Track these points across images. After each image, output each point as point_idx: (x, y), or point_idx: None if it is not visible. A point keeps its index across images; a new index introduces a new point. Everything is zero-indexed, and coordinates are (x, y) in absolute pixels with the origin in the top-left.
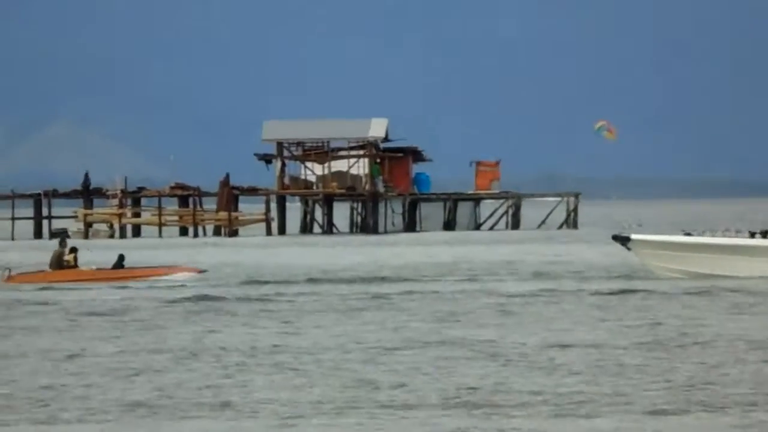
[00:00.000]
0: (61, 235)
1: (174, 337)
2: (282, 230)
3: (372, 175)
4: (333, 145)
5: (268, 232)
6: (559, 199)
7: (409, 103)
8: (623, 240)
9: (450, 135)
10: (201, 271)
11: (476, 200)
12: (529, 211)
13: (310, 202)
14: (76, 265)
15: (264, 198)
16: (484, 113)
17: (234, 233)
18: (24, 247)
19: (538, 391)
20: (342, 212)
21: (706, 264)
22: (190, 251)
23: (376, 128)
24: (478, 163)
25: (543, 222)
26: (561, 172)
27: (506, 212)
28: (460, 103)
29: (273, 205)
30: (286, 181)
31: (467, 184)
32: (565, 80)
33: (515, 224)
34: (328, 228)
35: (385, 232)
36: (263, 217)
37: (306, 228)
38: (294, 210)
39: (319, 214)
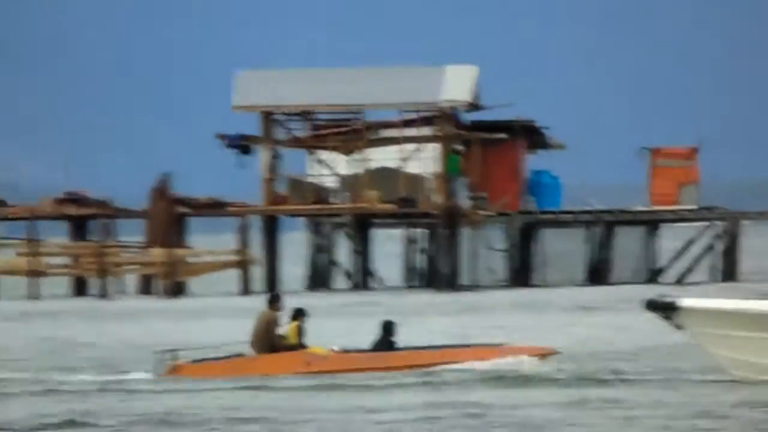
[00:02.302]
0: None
1: None
2: (272, 283)
3: (447, 176)
4: (371, 117)
5: (244, 289)
6: None
7: (498, 50)
8: (666, 308)
9: (590, 102)
10: (548, 354)
11: (652, 224)
12: (752, 245)
13: (327, 229)
14: (301, 344)
15: (238, 221)
16: (643, 69)
17: (178, 290)
18: None
19: None
20: (389, 248)
21: None
22: (81, 330)
23: (456, 85)
24: (655, 152)
25: None
26: None
27: (710, 248)
28: (602, 52)
29: (255, 234)
30: (280, 186)
31: (630, 193)
32: None
33: (729, 272)
34: (361, 279)
35: (475, 287)
36: (235, 257)
37: (316, 278)
38: (297, 244)
39: (343, 250)
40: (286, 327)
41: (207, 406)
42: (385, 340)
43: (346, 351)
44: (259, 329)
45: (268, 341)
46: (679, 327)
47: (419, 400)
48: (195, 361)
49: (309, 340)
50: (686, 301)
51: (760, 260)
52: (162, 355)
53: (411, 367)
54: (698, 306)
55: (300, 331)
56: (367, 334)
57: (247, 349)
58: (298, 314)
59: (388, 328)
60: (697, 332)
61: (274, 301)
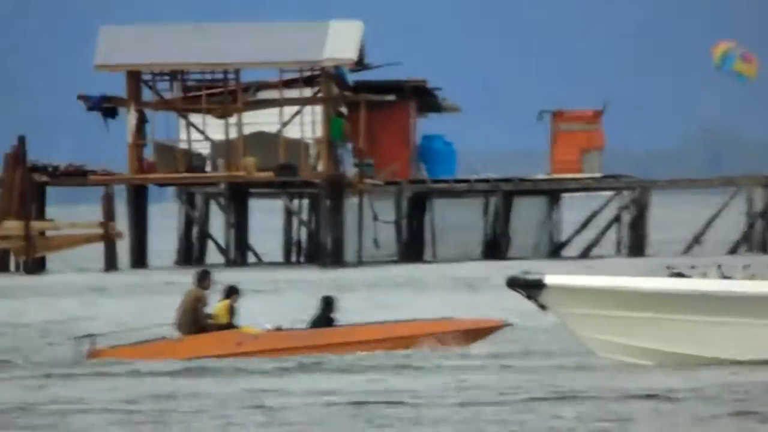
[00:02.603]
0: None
1: None
2: (139, 259)
3: (331, 142)
4: (248, 77)
5: (109, 265)
6: (729, 190)
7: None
8: (529, 286)
9: (487, 62)
10: (504, 325)
11: (553, 194)
12: (662, 217)
13: (200, 199)
14: (231, 324)
15: (102, 191)
16: (542, 26)
17: (36, 266)
18: None
19: None
20: (267, 220)
21: (701, 335)
22: None
23: (340, 42)
24: (556, 115)
25: (696, 240)
26: (714, 130)
27: (616, 219)
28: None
29: (120, 206)
30: (149, 153)
31: (531, 161)
32: None
33: (636, 246)
34: (237, 254)
35: (360, 262)
36: (98, 230)
37: (188, 254)
38: (167, 215)
39: (218, 223)
40: (215, 306)
41: (131, 393)
42: (325, 317)
43: (279, 329)
44: (185, 308)
45: (195, 321)
46: (543, 307)
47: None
48: (114, 347)
49: (241, 320)
50: (550, 279)
51: (669, 232)
52: (78, 340)
53: (353, 344)
54: (563, 283)
55: (231, 311)
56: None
57: (171, 331)
58: (231, 292)
59: (328, 303)
60: (563, 312)
61: (203, 279)
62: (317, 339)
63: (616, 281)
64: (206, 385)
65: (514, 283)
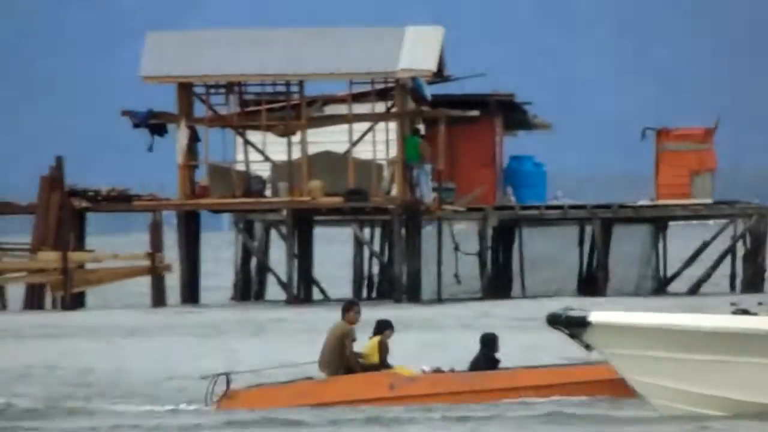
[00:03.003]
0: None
1: None
2: (191, 294)
3: (406, 163)
4: (313, 90)
5: (157, 301)
6: None
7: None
8: (572, 324)
9: (582, 73)
10: None
11: (658, 222)
12: None
13: (259, 227)
14: (384, 363)
15: (149, 218)
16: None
17: (75, 302)
18: None
19: None
20: (335, 251)
21: None
22: None
23: (418, 50)
24: (662, 134)
25: None
26: None
27: (730, 251)
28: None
29: (169, 235)
30: (201, 175)
31: (633, 184)
32: None
33: (752, 280)
34: (302, 289)
35: (439, 299)
36: (144, 262)
37: (245, 289)
38: (222, 245)
39: (279, 254)
40: (365, 344)
41: None
42: (487, 357)
43: (438, 371)
44: (330, 345)
45: (341, 360)
46: (588, 347)
47: None
48: (251, 388)
49: (394, 359)
50: (595, 316)
51: None
52: (212, 380)
53: (520, 390)
54: (611, 321)
55: (383, 349)
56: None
57: (315, 371)
58: (382, 327)
59: (488, 342)
60: (611, 353)
61: (349, 310)
62: (481, 383)
63: (668, 319)
64: None
65: (555, 321)
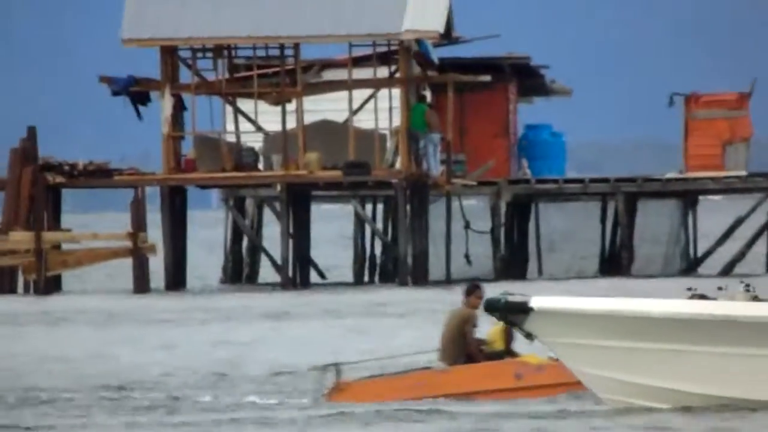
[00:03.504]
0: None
1: None
2: (177, 278)
3: (412, 134)
4: (309, 54)
5: (140, 286)
6: None
7: None
8: (512, 311)
9: (603, 34)
10: None
11: (688, 197)
12: None
13: (251, 204)
14: (509, 350)
15: (130, 194)
16: None
17: (49, 287)
18: None
19: None
20: (333, 230)
21: (725, 370)
22: None
23: (423, 10)
24: (692, 99)
25: None
26: None
27: (766, 228)
28: None
29: (153, 213)
30: (188, 148)
31: (660, 155)
32: None
33: None
34: (298, 272)
35: (448, 281)
36: (126, 243)
37: (236, 271)
38: (211, 224)
39: (273, 233)
40: (489, 329)
41: None
42: None
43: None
44: (450, 332)
45: (462, 348)
46: (530, 336)
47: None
48: (364, 378)
49: (519, 346)
50: (538, 301)
51: None
52: (322, 371)
53: None
54: (554, 307)
55: (509, 335)
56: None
57: (434, 360)
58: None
59: None
60: (554, 342)
61: (472, 293)
62: None
63: (617, 304)
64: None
65: (493, 307)
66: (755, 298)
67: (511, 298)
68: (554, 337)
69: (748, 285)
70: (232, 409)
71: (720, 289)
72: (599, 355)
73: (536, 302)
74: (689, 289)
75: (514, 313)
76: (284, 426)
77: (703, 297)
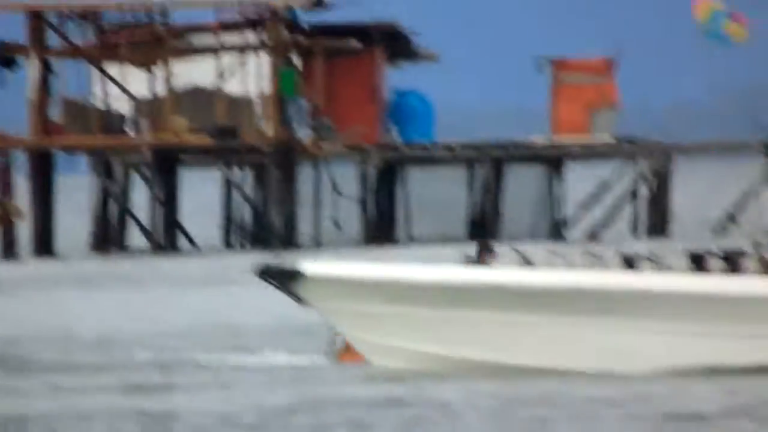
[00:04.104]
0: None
1: None
2: (45, 244)
3: (281, 99)
4: (178, 18)
5: (7, 252)
6: None
7: None
8: (283, 277)
9: (473, 3)
10: None
11: (554, 162)
12: (689, 189)
13: (119, 169)
14: None
15: None
16: None
17: None
18: None
19: None
20: (202, 195)
21: (493, 337)
22: None
23: None
24: (559, 65)
25: (731, 219)
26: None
27: (632, 193)
28: None
29: (20, 178)
30: (55, 112)
31: (527, 121)
32: None
33: (657, 224)
34: (167, 237)
35: (317, 245)
36: None
37: (104, 237)
38: (79, 189)
39: (141, 198)
40: None
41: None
42: None
43: None
44: None
45: None
46: (302, 302)
47: None
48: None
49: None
50: (308, 267)
51: (698, 208)
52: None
53: None
54: (323, 273)
55: None
56: (177, 311)
57: None
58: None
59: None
60: (325, 308)
61: (484, 254)
62: None
63: (386, 270)
64: None
65: (266, 273)
66: (528, 263)
67: (282, 264)
68: (325, 302)
69: (520, 250)
70: (239, 369)
71: (490, 250)
72: (370, 320)
73: (307, 268)
74: (467, 255)
75: (286, 279)
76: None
77: (480, 262)
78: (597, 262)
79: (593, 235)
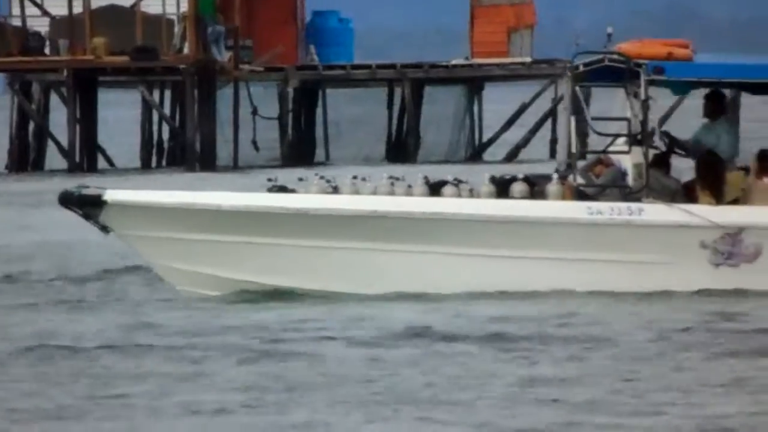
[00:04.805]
0: None
1: None
2: None
3: (199, 19)
4: None
5: None
6: None
7: None
8: (86, 204)
9: None
10: None
11: (473, 83)
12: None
13: (37, 89)
14: None
15: None
16: None
17: None
18: None
19: None
20: (121, 115)
21: (286, 262)
22: None
23: None
24: None
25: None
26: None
27: (551, 114)
28: None
29: None
30: None
31: (447, 42)
32: None
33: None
34: (86, 157)
35: (235, 166)
36: None
37: (22, 157)
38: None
39: (60, 118)
40: None
41: None
42: None
43: None
44: None
45: None
46: (106, 229)
47: None
48: None
49: None
50: (112, 194)
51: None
52: None
53: None
54: (126, 200)
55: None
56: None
57: None
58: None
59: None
60: (128, 235)
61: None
62: None
63: (189, 197)
64: None
65: (68, 200)
66: (334, 190)
67: (84, 191)
68: (128, 229)
69: (323, 176)
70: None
71: (300, 180)
72: (173, 247)
73: (109, 195)
74: (270, 179)
75: (88, 206)
76: None
77: (282, 189)
78: (400, 189)
79: (511, 157)
